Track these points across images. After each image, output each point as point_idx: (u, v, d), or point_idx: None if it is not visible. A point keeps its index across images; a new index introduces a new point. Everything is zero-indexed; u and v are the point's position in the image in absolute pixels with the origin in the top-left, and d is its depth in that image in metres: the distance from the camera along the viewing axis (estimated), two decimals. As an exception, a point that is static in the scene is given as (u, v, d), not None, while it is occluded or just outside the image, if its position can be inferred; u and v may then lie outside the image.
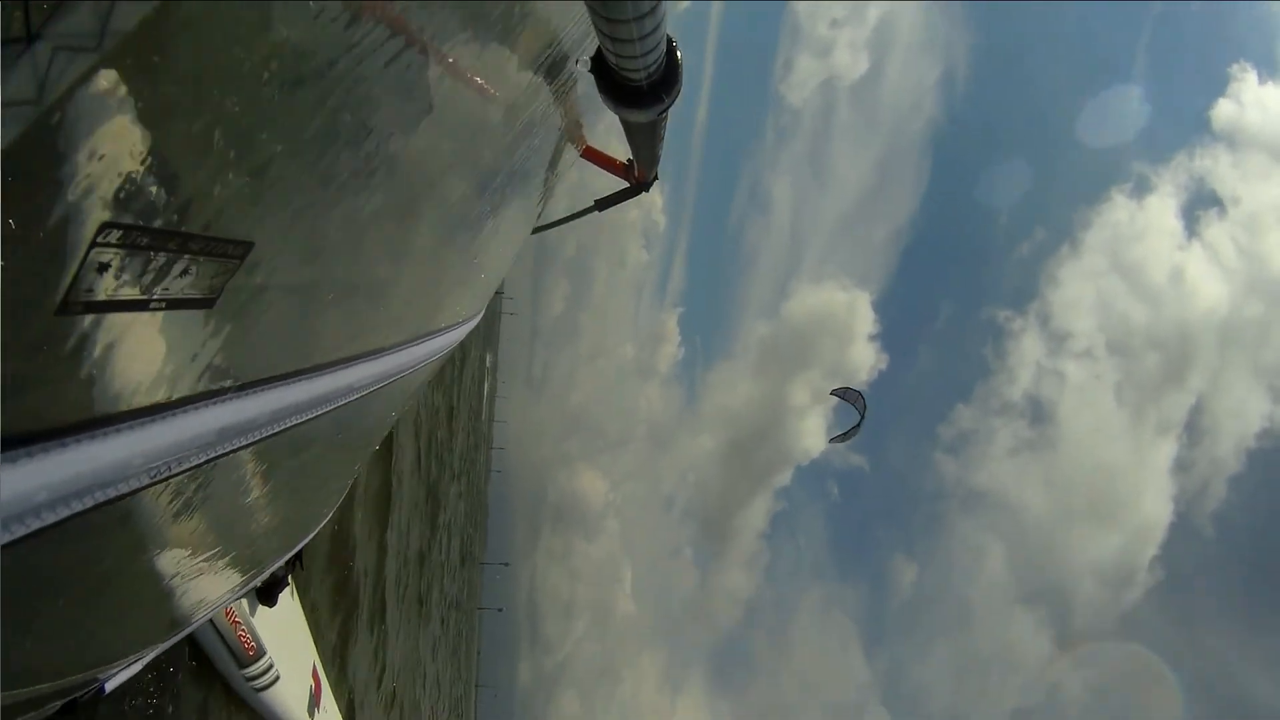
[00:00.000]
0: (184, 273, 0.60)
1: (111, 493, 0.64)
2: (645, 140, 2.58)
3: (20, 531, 0.53)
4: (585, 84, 1.75)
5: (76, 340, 0.51)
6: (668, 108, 1.63)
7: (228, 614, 3.59)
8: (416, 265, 1.45)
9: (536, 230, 3.75)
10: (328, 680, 5.22)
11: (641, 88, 1.46)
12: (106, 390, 0.58)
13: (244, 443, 0.90)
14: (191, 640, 3.63)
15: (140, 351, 0.60)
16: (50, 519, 0.56)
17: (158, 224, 0.53)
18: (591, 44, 1.39)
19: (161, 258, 0.55)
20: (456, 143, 1.38)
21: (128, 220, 0.49)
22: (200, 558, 1.03)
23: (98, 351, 0.53)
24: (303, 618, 4.81)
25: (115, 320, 0.53)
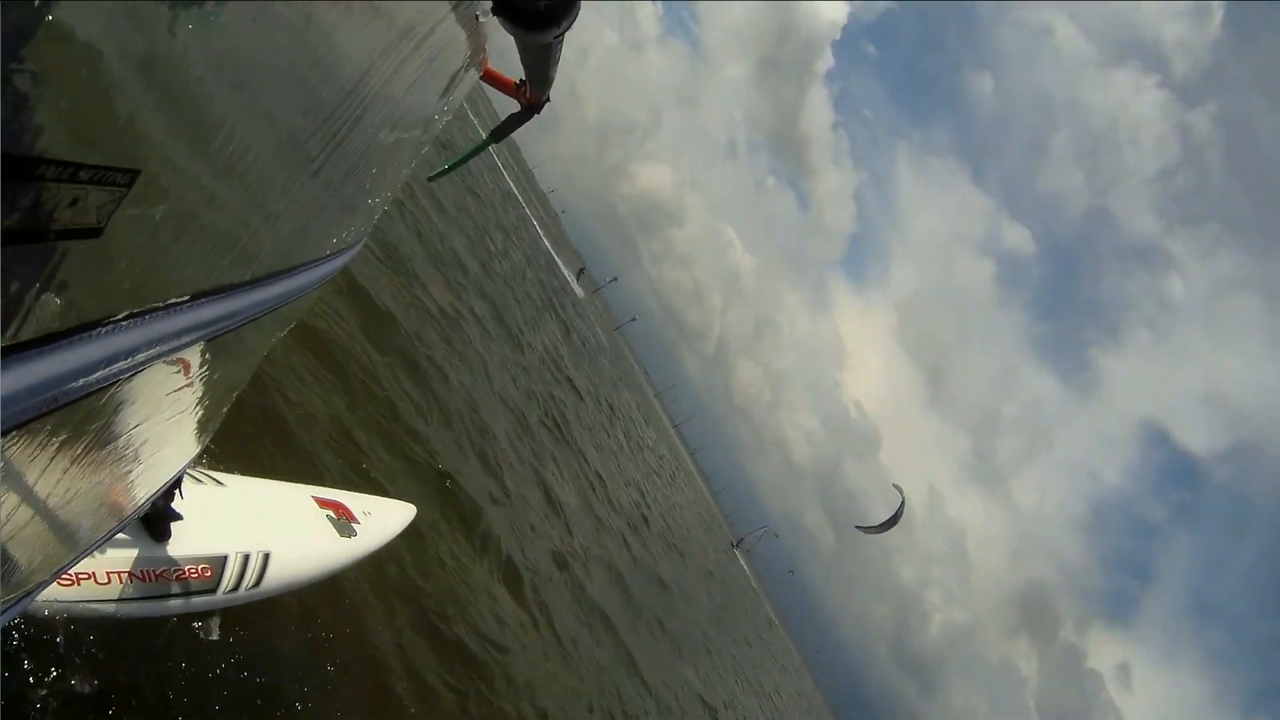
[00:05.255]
0: (73, 202, 0.58)
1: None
2: (540, 62, 2.52)
3: None
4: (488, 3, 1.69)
5: None
6: (565, 30, 1.61)
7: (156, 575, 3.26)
8: (305, 192, 1.40)
9: (433, 178, 3.60)
10: (345, 491, 4.71)
11: (539, 9, 1.43)
12: None
13: (125, 371, 0.88)
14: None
15: (28, 284, 0.59)
16: None
17: (47, 155, 0.52)
18: None
19: (51, 188, 0.54)
20: (346, 61, 1.33)
21: (17, 152, 0.48)
22: (72, 492, 1.00)
23: None
24: (253, 490, 4.21)
25: (6, 254, 0.52)
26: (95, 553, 2.93)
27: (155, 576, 3.31)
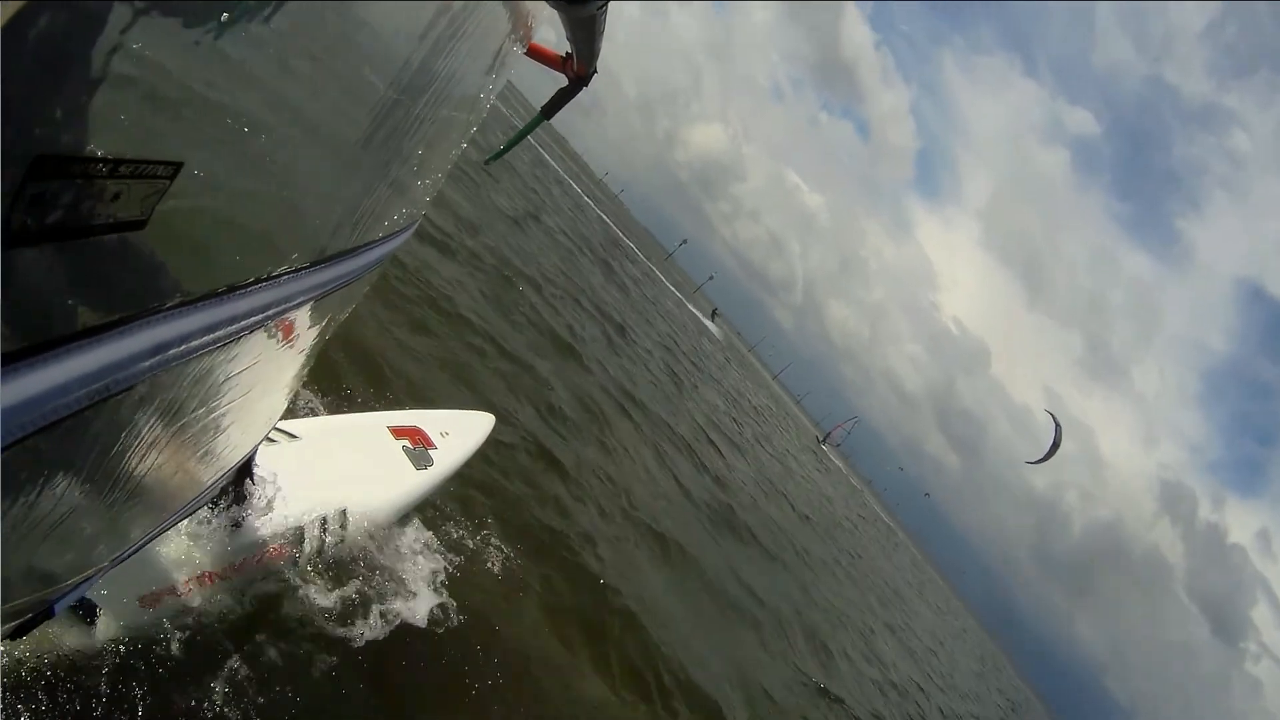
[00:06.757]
0: (116, 197, 0.59)
1: (52, 416, 0.65)
2: (585, 34, 2.48)
3: None
4: None
5: (16, 273, 0.51)
6: (608, 1, 1.58)
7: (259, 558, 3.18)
8: (354, 176, 1.41)
9: (489, 161, 3.60)
10: (422, 411, 4.67)
11: None
12: (44, 317, 0.59)
13: (181, 357, 0.90)
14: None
15: (75, 276, 0.60)
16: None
17: (88, 152, 0.52)
18: None
19: (94, 184, 0.55)
20: (389, 42, 1.33)
21: (59, 151, 0.49)
22: (145, 475, 1.04)
23: (36, 281, 0.54)
24: (327, 435, 3.94)
25: (52, 250, 0.54)
26: (170, 564, 2.91)
27: (235, 570, 3.13)
